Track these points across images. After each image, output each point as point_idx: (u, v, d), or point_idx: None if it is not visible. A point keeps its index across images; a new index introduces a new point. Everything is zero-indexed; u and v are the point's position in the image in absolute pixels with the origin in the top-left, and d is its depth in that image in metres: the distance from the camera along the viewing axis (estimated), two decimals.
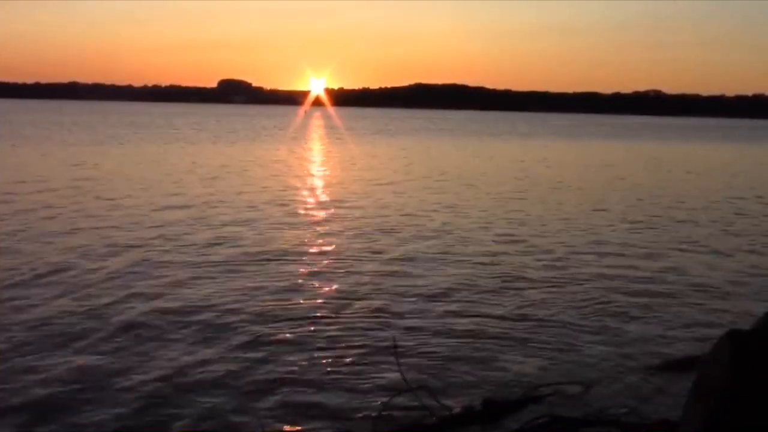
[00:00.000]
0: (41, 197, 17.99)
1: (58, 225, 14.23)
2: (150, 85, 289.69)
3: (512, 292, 9.96)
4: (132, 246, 12.34)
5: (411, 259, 11.88)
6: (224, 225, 14.75)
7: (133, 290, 9.54)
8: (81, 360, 7.01)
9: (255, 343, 7.60)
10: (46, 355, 7.12)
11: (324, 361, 7.15)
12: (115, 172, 24.94)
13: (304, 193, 21.03)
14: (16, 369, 6.73)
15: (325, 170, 29.28)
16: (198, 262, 11.29)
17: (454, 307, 9.14)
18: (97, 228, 14.01)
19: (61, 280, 9.95)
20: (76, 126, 63.14)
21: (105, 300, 9.07)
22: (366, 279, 10.51)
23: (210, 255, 11.81)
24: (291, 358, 7.18)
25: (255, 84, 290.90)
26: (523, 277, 10.84)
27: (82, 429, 5.63)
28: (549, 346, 7.71)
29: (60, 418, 5.78)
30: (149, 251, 11.94)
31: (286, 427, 5.73)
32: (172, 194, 19.46)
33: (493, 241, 13.90)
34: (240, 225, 14.81)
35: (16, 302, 8.83)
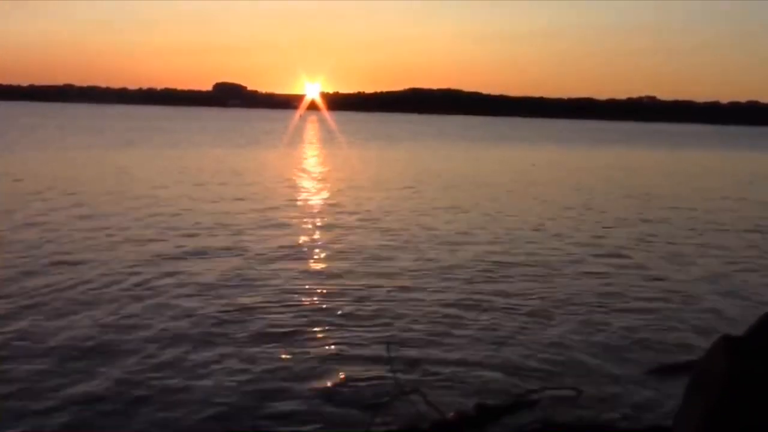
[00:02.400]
0: (99, 201, 17.99)
1: (121, 231, 14.10)
2: (145, 88, 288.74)
3: (507, 295, 9.94)
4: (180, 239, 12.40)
5: (409, 260, 11.84)
6: (253, 228, 14.71)
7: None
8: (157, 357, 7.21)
9: (251, 346, 7.56)
10: (116, 356, 7.21)
11: (317, 363, 7.11)
12: (148, 176, 24.61)
13: (315, 196, 21.08)
14: (84, 370, 6.79)
15: (328, 175, 29.22)
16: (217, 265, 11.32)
17: (448, 310, 9.10)
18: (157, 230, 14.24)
19: (130, 288, 9.85)
20: (87, 130, 62.11)
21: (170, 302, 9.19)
22: (361, 280, 10.49)
23: (222, 257, 11.83)
24: (282, 362, 7.14)
25: (250, 87, 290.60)
26: (518, 280, 10.82)
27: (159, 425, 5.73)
28: (543, 351, 7.69)
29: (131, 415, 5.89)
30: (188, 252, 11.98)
31: (280, 430, 5.69)
32: (215, 199, 19.32)
33: (492, 243, 13.88)
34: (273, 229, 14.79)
35: (90, 311, 8.73)
